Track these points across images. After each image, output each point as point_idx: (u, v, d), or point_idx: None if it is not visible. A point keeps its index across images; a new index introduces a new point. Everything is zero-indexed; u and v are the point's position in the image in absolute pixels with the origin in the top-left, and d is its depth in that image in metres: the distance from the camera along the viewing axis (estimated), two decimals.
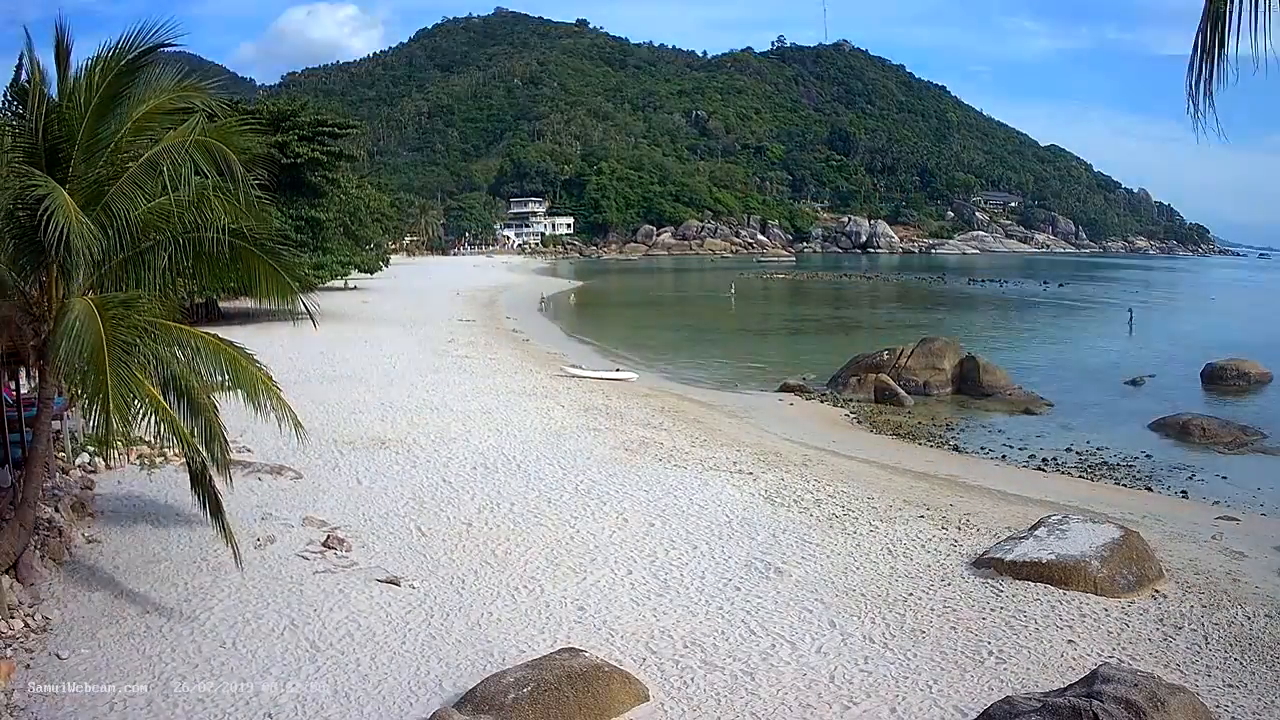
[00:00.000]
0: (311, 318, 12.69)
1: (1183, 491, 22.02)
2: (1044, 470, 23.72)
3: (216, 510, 10.87)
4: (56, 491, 14.38)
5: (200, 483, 10.82)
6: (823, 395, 33.81)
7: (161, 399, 10.15)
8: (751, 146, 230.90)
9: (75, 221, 9.03)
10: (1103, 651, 10.88)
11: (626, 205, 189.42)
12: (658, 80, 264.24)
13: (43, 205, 9.05)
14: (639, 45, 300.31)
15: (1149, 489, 22.15)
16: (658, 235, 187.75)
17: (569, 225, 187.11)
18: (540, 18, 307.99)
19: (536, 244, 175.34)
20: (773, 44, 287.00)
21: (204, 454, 10.73)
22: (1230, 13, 5.35)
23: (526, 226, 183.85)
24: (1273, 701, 9.85)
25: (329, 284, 58.55)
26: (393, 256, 79.82)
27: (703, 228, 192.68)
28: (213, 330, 12.32)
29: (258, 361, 11.56)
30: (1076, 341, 54.23)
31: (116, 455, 16.91)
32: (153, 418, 10.01)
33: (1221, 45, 5.44)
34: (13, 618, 10.29)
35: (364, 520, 15.10)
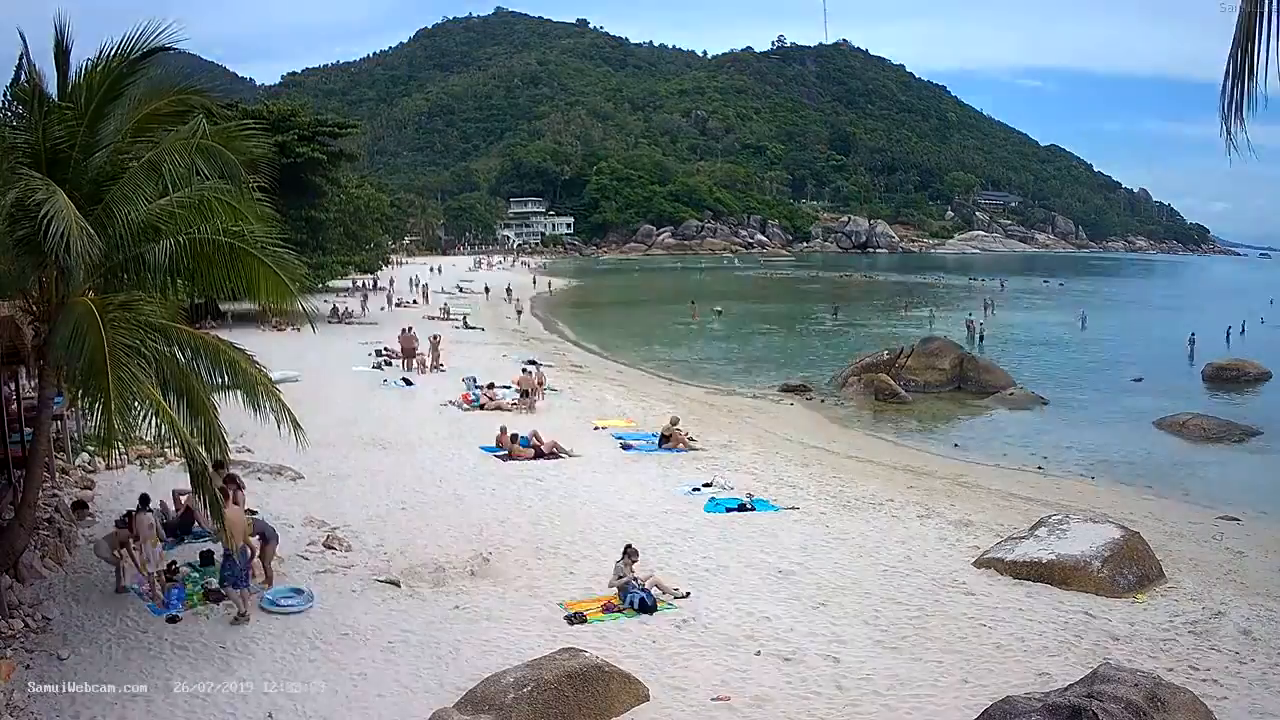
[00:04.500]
0: (311, 322, 12.67)
1: (1184, 491, 21.99)
2: (1044, 469, 23.70)
3: (217, 511, 10.86)
4: (56, 491, 14.39)
5: (201, 484, 10.81)
6: (823, 395, 33.82)
7: (161, 400, 10.13)
8: (751, 146, 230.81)
9: (75, 225, 8.99)
10: (1103, 651, 10.87)
11: (626, 205, 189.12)
12: (658, 80, 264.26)
13: (44, 209, 9.01)
14: (639, 45, 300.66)
15: (1150, 488, 22.12)
16: (657, 235, 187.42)
17: (569, 225, 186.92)
18: (540, 17, 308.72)
19: (536, 244, 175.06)
20: (773, 44, 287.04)
21: (204, 455, 10.71)
22: (1260, 39, 5.54)
23: (526, 226, 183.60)
24: (1273, 702, 9.84)
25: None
26: (391, 257, 79.79)
27: (702, 228, 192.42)
28: (216, 333, 12.30)
29: (257, 363, 11.55)
30: (1076, 340, 54.18)
31: (116, 455, 16.90)
32: (154, 419, 9.99)
33: (1251, 70, 5.62)
34: (13, 618, 10.28)
35: (364, 520, 15.09)
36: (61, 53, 10.45)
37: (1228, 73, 5.74)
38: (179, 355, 10.79)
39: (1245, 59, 5.62)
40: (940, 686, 10.04)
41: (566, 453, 20.68)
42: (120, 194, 10.16)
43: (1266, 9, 5.46)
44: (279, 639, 10.66)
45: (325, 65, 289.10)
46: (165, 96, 10.99)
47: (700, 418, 27.02)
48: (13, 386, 14.69)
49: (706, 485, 18.25)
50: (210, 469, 10.82)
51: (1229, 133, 5.74)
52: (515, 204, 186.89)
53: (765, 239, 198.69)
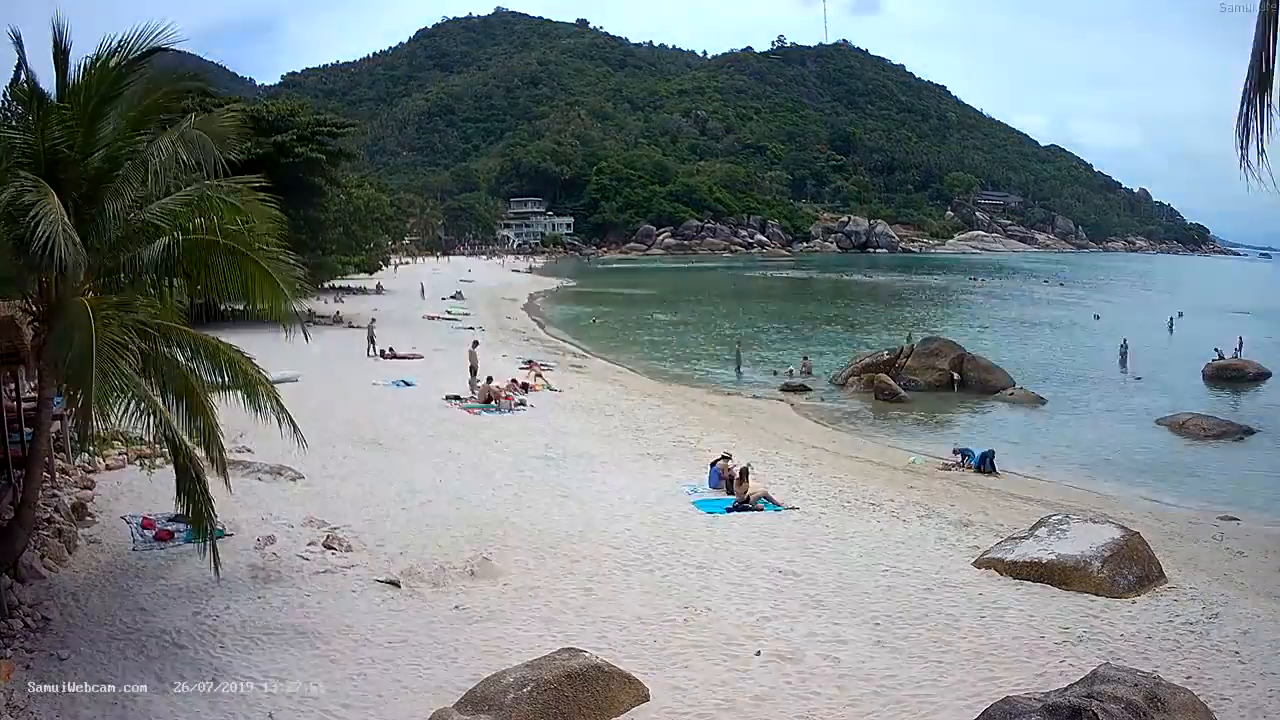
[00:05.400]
0: (304, 329, 12.63)
1: (1184, 491, 22.00)
2: (1044, 469, 23.70)
3: (200, 518, 10.82)
4: (56, 491, 14.38)
5: (192, 487, 10.78)
6: (823, 395, 33.83)
7: (155, 398, 10.10)
8: (751, 146, 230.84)
9: (61, 230, 8.92)
10: (1103, 651, 10.86)
11: (626, 205, 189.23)
12: (658, 80, 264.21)
13: (32, 211, 8.97)
14: (639, 45, 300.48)
15: (1150, 488, 22.13)
16: (657, 235, 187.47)
17: (569, 225, 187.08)
18: (540, 17, 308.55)
19: (536, 244, 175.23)
20: (773, 44, 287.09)
21: (191, 453, 10.67)
22: (1276, 64, 4.83)
23: (527, 226, 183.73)
24: (1273, 701, 9.83)
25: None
26: (392, 257, 79.49)
27: (702, 228, 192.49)
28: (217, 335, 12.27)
29: (257, 365, 11.54)
30: (1076, 339, 54.19)
31: (116, 455, 16.91)
32: (149, 418, 9.96)
33: (1269, 91, 4.90)
34: (13, 618, 10.27)
35: (364, 520, 15.08)
36: (60, 53, 10.43)
37: (1243, 101, 4.92)
38: (178, 355, 10.78)
39: (1262, 86, 4.82)
40: (940, 686, 10.03)
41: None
42: (117, 193, 10.14)
43: None
44: (279, 639, 10.66)
45: (325, 65, 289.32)
46: (161, 89, 10.94)
47: (700, 418, 27.03)
48: (13, 386, 14.68)
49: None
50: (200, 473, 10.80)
51: (1246, 162, 4.93)
52: (515, 204, 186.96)
53: (765, 239, 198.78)
